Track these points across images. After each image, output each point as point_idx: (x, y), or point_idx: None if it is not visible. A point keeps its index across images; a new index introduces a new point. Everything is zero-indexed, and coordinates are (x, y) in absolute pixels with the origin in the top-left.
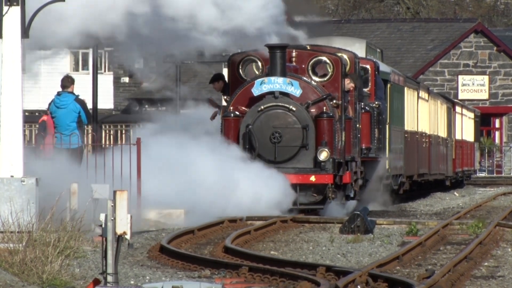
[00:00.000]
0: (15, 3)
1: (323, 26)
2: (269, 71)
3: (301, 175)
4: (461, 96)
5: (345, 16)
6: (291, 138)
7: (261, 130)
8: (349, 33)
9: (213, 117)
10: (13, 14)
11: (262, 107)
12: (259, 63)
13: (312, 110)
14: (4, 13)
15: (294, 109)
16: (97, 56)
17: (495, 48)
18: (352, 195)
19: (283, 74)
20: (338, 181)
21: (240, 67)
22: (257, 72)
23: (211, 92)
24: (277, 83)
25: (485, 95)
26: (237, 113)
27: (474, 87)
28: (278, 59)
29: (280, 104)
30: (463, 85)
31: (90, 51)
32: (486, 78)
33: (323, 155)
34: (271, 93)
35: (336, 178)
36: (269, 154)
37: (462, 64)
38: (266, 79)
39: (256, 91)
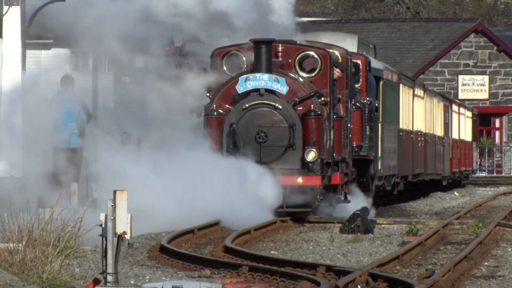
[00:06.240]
0: (15, 3)
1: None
2: (254, 67)
3: (287, 177)
4: (461, 96)
5: (345, 16)
6: (277, 138)
7: (245, 129)
8: (349, 33)
9: (199, 115)
10: (13, 14)
11: (247, 105)
12: (244, 58)
13: (299, 108)
14: (4, 12)
15: (280, 107)
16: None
17: (495, 48)
18: (342, 198)
19: (269, 70)
20: (327, 182)
21: (224, 62)
22: (243, 67)
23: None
24: (262, 80)
25: (485, 95)
26: (220, 111)
27: (474, 87)
28: (264, 54)
29: (265, 102)
30: (463, 85)
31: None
32: (486, 78)
33: (311, 155)
34: (256, 90)
35: (324, 179)
36: (254, 154)
37: (462, 64)
38: (251, 75)
39: (240, 88)
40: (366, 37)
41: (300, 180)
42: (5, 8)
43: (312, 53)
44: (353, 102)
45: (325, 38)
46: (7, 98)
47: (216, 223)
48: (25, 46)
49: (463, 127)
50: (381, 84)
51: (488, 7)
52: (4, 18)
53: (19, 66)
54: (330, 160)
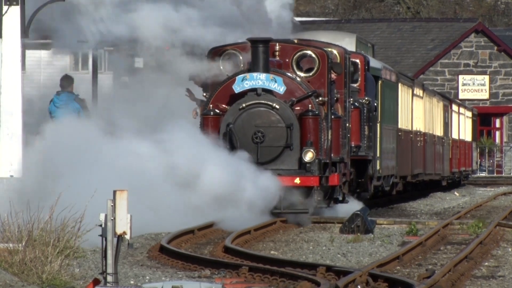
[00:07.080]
0: (14, 3)
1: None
2: (251, 67)
3: (285, 177)
4: (462, 96)
5: (345, 16)
6: (275, 138)
7: (242, 130)
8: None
9: (195, 114)
10: (12, 14)
11: (244, 105)
12: (241, 58)
13: (296, 108)
14: (4, 12)
15: (277, 107)
16: (97, 55)
17: (495, 47)
18: (340, 198)
19: (266, 70)
20: (325, 182)
21: (221, 61)
22: (240, 67)
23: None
24: (259, 79)
25: (485, 95)
26: (217, 111)
27: (474, 87)
28: (261, 53)
29: (262, 101)
30: (464, 85)
31: (90, 51)
32: (486, 78)
33: (309, 156)
34: (253, 90)
35: (322, 180)
36: (251, 154)
37: (463, 64)
38: (248, 75)
39: (237, 87)
40: (366, 37)
41: (297, 180)
42: (5, 8)
43: (309, 52)
44: (351, 102)
45: (323, 37)
46: (7, 97)
47: (211, 225)
48: (24, 46)
49: (463, 127)
50: (379, 83)
51: (488, 7)
52: (4, 18)
53: (19, 65)
54: (328, 161)
